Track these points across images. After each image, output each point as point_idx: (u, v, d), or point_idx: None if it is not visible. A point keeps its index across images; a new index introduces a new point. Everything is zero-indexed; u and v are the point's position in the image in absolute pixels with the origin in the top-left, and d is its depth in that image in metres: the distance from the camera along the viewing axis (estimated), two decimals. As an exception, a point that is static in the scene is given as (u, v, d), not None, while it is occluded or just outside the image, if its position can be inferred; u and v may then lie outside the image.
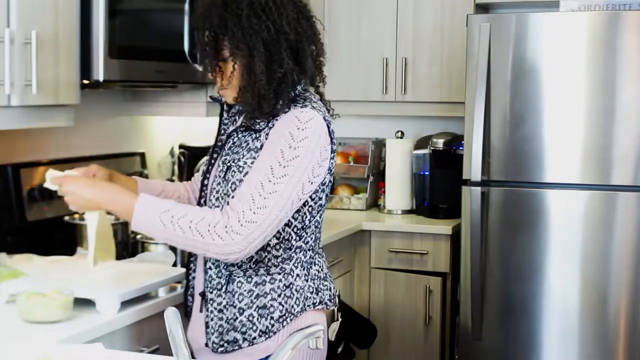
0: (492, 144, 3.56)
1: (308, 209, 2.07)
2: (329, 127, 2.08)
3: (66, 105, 2.52)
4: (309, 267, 2.12)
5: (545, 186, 3.52)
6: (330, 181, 2.12)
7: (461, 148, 3.80)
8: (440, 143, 4.04)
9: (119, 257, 2.65)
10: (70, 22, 2.48)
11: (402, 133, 4.24)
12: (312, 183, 2.02)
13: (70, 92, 2.49)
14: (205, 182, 2.16)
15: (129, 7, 2.81)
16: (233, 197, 1.99)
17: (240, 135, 2.09)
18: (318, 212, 2.11)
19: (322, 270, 2.17)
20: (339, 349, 3.40)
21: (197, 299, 2.14)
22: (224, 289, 2.08)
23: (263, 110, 2.02)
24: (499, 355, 3.60)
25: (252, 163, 2.01)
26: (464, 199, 3.61)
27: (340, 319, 3.39)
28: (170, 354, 1.55)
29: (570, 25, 3.47)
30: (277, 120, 2.03)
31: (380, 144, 4.39)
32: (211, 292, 2.09)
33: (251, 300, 2.05)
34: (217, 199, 2.09)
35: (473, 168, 3.55)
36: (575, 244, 3.48)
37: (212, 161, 2.17)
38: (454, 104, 4.00)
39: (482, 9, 4.05)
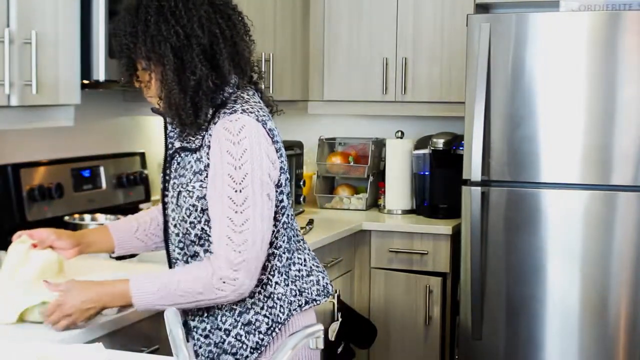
0: (492, 144, 3.56)
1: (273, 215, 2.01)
2: (265, 127, 1.96)
3: (66, 105, 2.51)
4: (287, 270, 2.05)
5: (545, 186, 3.52)
6: (287, 179, 2.04)
7: (461, 148, 3.80)
8: (440, 143, 4.04)
9: (121, 257, 2.65)
10: (70, 22, 2.48)
11: (402, 133, 4.25)
12: (274, 187, 1.97)
13: (70, 92, 2.49)
14: (166, 201, 2.09)
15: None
16: (209, 241, 1.96)
17: (182, 155, 2.02)
18: (283, 214, 2.03)
19: (304, 266, 2.10)
20: (339, 349, 3.40)
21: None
22: (205, 314, 2.04)
23: (184, 120, 1.95)
24: (499, 355, 3.60)
25: (200, 187, 1.96)
26: (464, 199, 3.61)
27: (340, 319, 3.40)
28: (170, 354, 1.55)
29: (570, 25, 3.47)
30: (210, 135, 1.95)
31: (380, 144, 4.39)
32: (193, 320, 2.06)
33: (235, 319, 2.01)
34: (174, 225, 2.05)
35: (473, 168, 3.55)
36: (575, 244, 3.48)
37: (166, 181, 2.09)
38: (454, 104, 4.00)
39: (482, 9, 4.05)
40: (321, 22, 4.28)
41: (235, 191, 1.91)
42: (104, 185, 3.22)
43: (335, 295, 3.50)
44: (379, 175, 4.36)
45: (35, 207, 2.87)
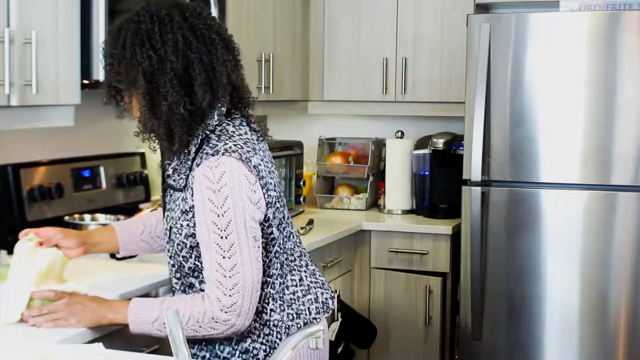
0: (492, 144, 3.56)
1: (262, 249, 2.00)
2: (249, 165, 1.92)
3: (66, 105, 2.51)
4: (281, 296, 2.04)
5: (545, 186, 3.52)
6: (276, 210, 2.01)
7: (461, 148, 3.80)
8: (440, 143, 4.04)
9: (121, 257, 2.65)
10: (70, 22, 2.48)
11: (402, 133, 4.24)
12: (259, 227, 1.97)
13: (70, 92, 2.49)
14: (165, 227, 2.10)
15: (129, 7, 2.81)
16: (202, 273, 1.98)
17: (171, 192, 2.03)
18: (274, 245, 2.03)
19: (300, 286, 2.08)
20: (339, 349, 3.40)
21: None
22: (204, 342, 2.04)
23: (160, 146, 1.96)
24: (499, 355, 3.60)
25: (187, 225, 1.96)
26: (464, 199, 3.61)
27: (340, 319, 3.40)
28: (170, 354, 1.55)
29: (570, 25, 3.47)
30: (193, 177, 1.94)
31: (380, 144, 4.39)
32: (192, 347, 2.06)
33: (233, 347, 2.02)
34: (170, 257, 2.05)
35: (473, 168, 3.55)
36: (575, 244, 3.48)
37: (164, 209, 2.09)
38: (454, 104, 4.00)
39: (482, 9, 4.05)
40: (321, 22, 4.28)
41: (221, 237, 1.90)
42: (104, 185, 3.22)
43: (335, 295, 3.50)
44: (379, 175, 4.35)
45: (35, 207, 2.87)
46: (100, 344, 1.82)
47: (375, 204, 4.38)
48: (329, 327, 3.37)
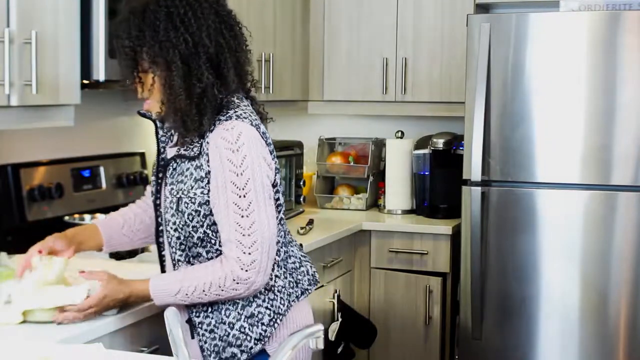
0: (492, 144, 3.56)
1: None
2: (259, 131, 2.05)
3: (66, 105, 2.51)
4: (285, 263, 2.14)
5: (545, 186, 3.52)
6: (280, 179, 2.13)
7: (461, 148, 3.80)
8: (440, 143, 4.04)
9: (121, 257, 2.66)
10: (70, 22, 2.48)
11: (402, 133, 4.25)
12: (271, 188, 2.07)
13: (70, 92, 2.49)
14: (158, 204, 2.15)
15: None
16: (211, 242, 2.05)
17: (179, 162, 2.07)
18: (279, 212, 2.12)
19: (296, 257, 2.20)
20: (339, 349, 3.40)
21: (185, 327, 2.11)
22: (209, 309, 2.08)
23: (187, 126, 2.01)
24: (499, 355, 3.60)
25: (202, 193, 2.02)
26: (464, 199, 3.61)
27: (340, 319, 3.40)
28: (170, 354, 1.55)
29: (570, 25, 3.47)
30: (207, 143, 2.01)
31: (380, 144, 4.39)
32: (198, 316, 2.09)
33: (238, 312, 2.07)
34: (175, 229, 2.08)
35: (473, 168, 3.55)
36: (575, 244, 3.48)
37: (159, 184, 2.15)
38: (454, 104, 4.00)
39: (482, 9, 4.05)
40: (321, 22, 4.28)
41: (239, 197, 1.98)
42: (104, 185, 3.22)
43: (335, 295, 3.51)
44: (379, 175, 4.36)
45: (35, 207, 2.87)
46: (100, 344, 1.82)
47: (375, 204, 4.38)
48: (328, 327, 3.37)
